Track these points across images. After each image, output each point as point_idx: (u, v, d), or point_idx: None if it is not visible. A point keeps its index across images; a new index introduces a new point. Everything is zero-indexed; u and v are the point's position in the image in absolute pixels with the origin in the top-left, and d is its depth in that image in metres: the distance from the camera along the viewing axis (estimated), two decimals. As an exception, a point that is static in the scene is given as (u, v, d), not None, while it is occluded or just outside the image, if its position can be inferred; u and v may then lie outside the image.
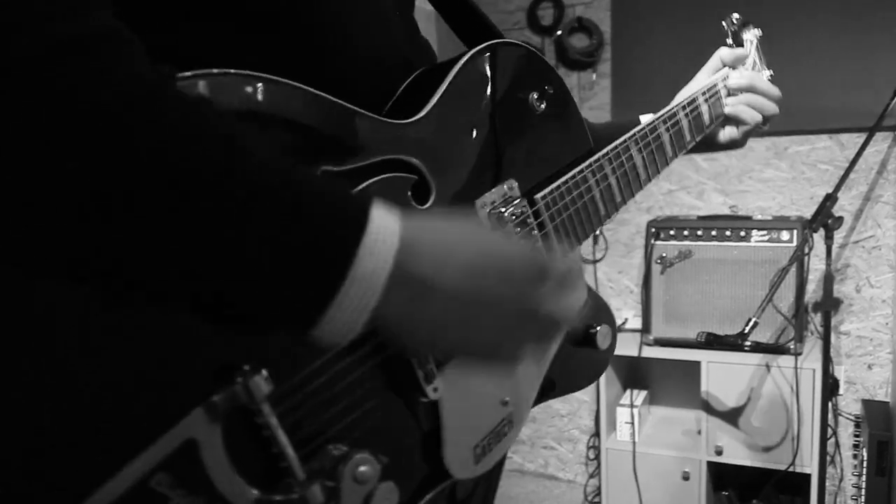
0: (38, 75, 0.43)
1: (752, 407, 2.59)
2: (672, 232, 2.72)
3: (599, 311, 0.97)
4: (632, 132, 0.98)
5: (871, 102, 2.51)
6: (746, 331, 2.20)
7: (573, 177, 0.88)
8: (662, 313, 2.74)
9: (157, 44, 0.61)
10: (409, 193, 0.71)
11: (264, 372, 0.56)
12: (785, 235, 2.58)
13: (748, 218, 2.76)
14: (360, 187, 0.66)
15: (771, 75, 1.28)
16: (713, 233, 2.66)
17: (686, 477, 2.69)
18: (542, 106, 0.88)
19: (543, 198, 0.85)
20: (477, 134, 0.80)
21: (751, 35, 1.25)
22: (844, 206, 2.72)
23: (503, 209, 0.81)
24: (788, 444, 2.54)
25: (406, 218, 0.57)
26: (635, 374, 3.06)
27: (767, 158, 2.88)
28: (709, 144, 1.22)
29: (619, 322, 3.10)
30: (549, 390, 0.91)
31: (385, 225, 0.54)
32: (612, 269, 3.19)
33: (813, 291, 2.75)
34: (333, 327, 0.53)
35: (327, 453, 0.63)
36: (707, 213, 2.94)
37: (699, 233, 2.68)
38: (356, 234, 0.53)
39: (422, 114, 0.73)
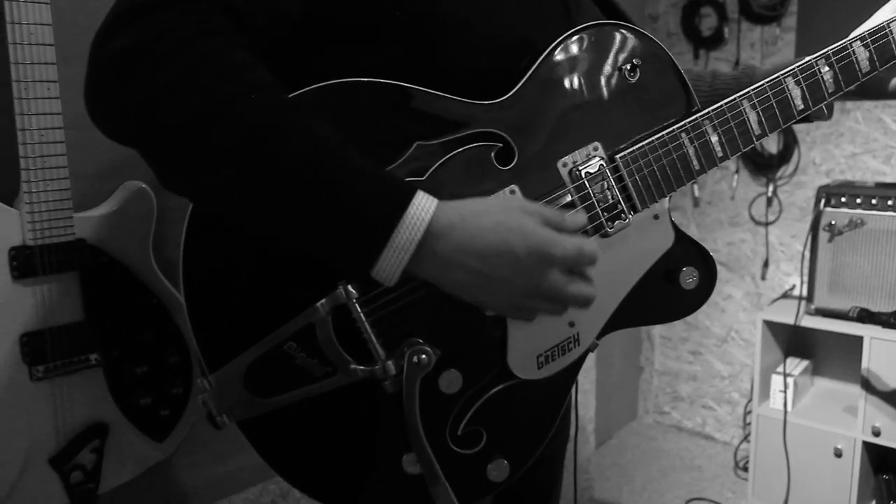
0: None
1: (918, 390, 2.44)
2: (844, 199, 2.56)
3: (696, 257, 1.03)
4: (746, 90, 1.01)
5: None
6: (902, 310, 2.09)
7: (661, 136, 0.97)
8: (827, 283, 2.62)
9: (306, 64, 0.86)
10: (493, 158, 0.90)
11: (355, 283, 0.83)
12: (974, 209, 2.35)
13: (933, 188, 2.53)
14: (449, 156, 0.87)
15: None
16: (889, 202, 2.47)
17: (839, 454, 2.60)
18: (635, 77, 0.97)
19: (623, 156, 0.96)
20: (561, 105, 0.94)
21: None
22: None
23: (581, 167, 0.94)
24: (956, 432, 2.37)
25: (443, 207, 0.78)
26: (798, 342, 2.95)
27: (970, 122, 2.61)
28: (876, 92, 1.12)
29: (786, 287, 3.00)
30: (625, 318, 1.01)
31: (420, 210, 0.76)
32: (785, 233, 3.06)
33: None
34: (381, 273, 0.78)
35: (403, 343, 0.86)
36: (894, 179, 2.73)
37: (874, 201, 2.50)
38: (397, 214, 0.76)
39: (510, 94, 0.91)
